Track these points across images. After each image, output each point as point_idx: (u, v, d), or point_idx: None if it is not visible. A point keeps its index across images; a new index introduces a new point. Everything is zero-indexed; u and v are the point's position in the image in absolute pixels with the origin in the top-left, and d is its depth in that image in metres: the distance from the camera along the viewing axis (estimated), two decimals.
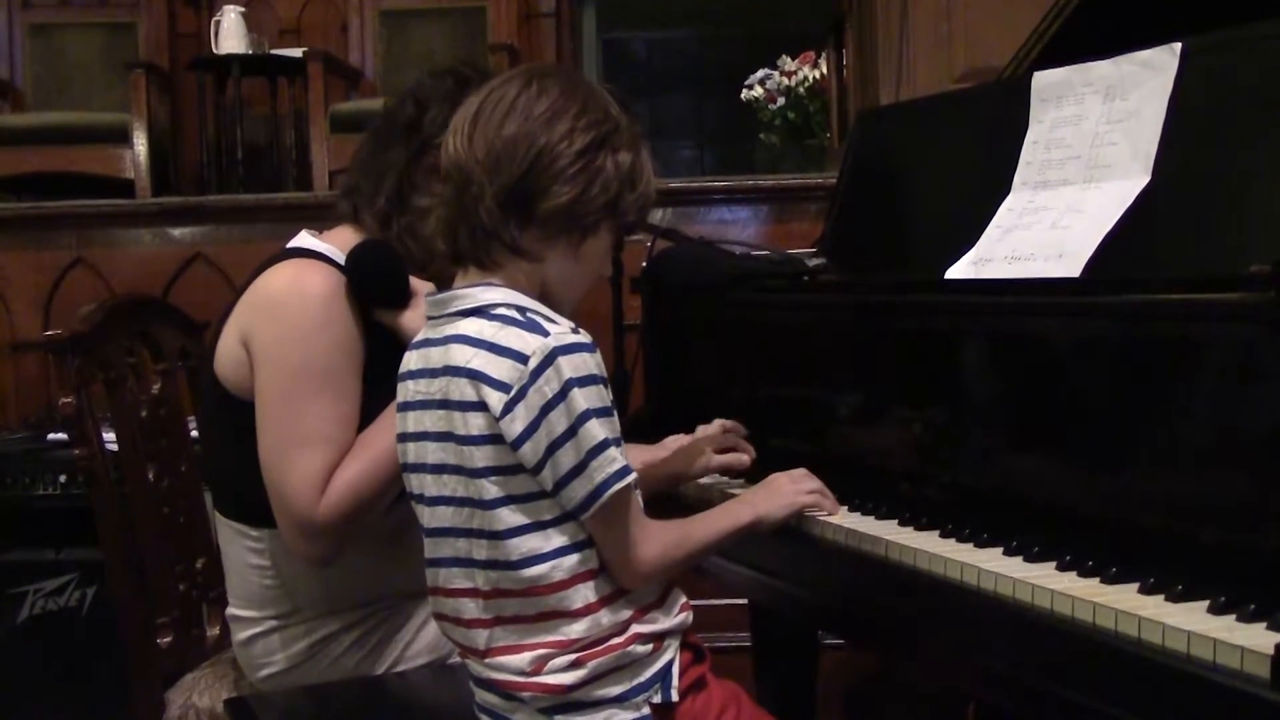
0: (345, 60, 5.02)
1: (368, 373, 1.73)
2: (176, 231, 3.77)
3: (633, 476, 1.38)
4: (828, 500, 1.62)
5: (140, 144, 4.53)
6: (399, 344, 1.78)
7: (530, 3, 5.17)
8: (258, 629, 1.82)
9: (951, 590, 1.38)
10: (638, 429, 2.05)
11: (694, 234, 2.63)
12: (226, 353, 1.76)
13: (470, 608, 1.44)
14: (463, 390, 1.39)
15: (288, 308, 1.71)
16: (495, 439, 1.37)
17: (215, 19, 4.87)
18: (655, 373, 2.32)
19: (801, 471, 1.65)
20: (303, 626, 1.81)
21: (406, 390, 1.48)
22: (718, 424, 1.86)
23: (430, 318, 1.47)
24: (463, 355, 1.39)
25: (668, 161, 8.18)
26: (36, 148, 4.57)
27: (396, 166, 1.76)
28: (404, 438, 1.48)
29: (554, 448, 1.35)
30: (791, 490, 1.61)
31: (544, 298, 1.45)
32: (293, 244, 1.81)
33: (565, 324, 1.40)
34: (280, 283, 1.74)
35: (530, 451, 1.35)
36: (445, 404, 1.41)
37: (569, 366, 1.34)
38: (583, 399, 1.34)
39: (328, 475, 1.67)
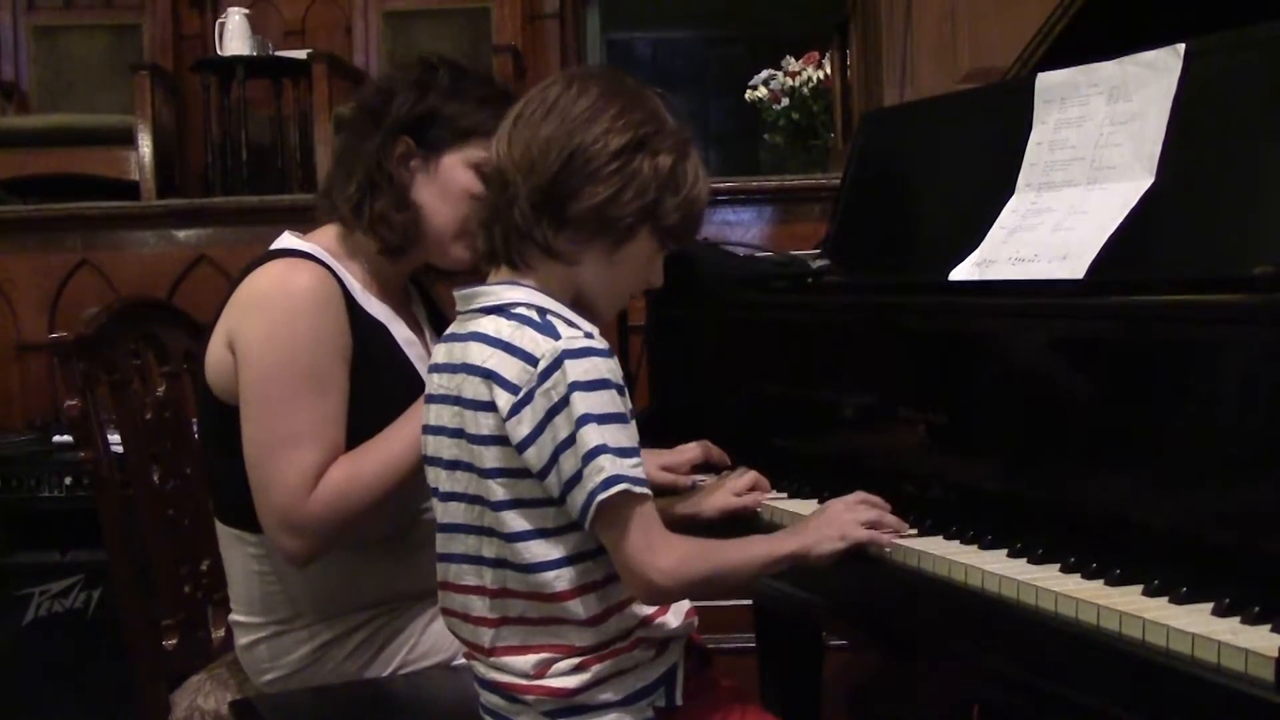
0: (350, 62, 5.02)
1: (356, 369, 1.73)
2: (181, 233, 3.76)
3: (620, 487, 1.32)
4: (885, 534, 1.48)
5: (145, 146, 4.53)
6: (388, 341, 1.79)
7: (534, 4, 5.17)
8: (260, 634, 1.82)
9: (955, 592, 1.38)
10: (640, 431, 2.05)
11: (698, 235, 2.63)
12: (215, 359, 1.75)
13: (477, 605, 1.44)
14: (476, 389, 1.39)
15: (274, 304, 1.70)
16: (503, 440, 1.37)
17: (220, 21, 4.88)
18: (659, 374, 2.32)
19: (858, 497, 1.52)
20: (305, 631, 1.81)
21: (432, 383, 1.48)
22: (749, 476, 1.75)
23: (459, 313, 1.47)
24: (480, 354, 1.39)
25: None
26: (41, 150, 4.58)
27: (367, 155, 1.78)
28: (426, 430, 1.48)
29: (558, 452, 1.33)
30: (846, 521, 1.47)
31: (579, 303, 1.44)
32: (276, 245, 1.80)
33: (584, 328, 1.39)
34: (266, 281, 1.73)
35: (535, 456, 1.34)
36: (459, 401, 1.41)
37: (575, 370, 1.33)
38: (582, 404, 1.32)
39: (319, 472, 1.67)
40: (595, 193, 1.38)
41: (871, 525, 1.48)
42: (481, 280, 1.46)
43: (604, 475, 1.32)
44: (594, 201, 1.38)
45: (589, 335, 1.37)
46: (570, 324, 1.39)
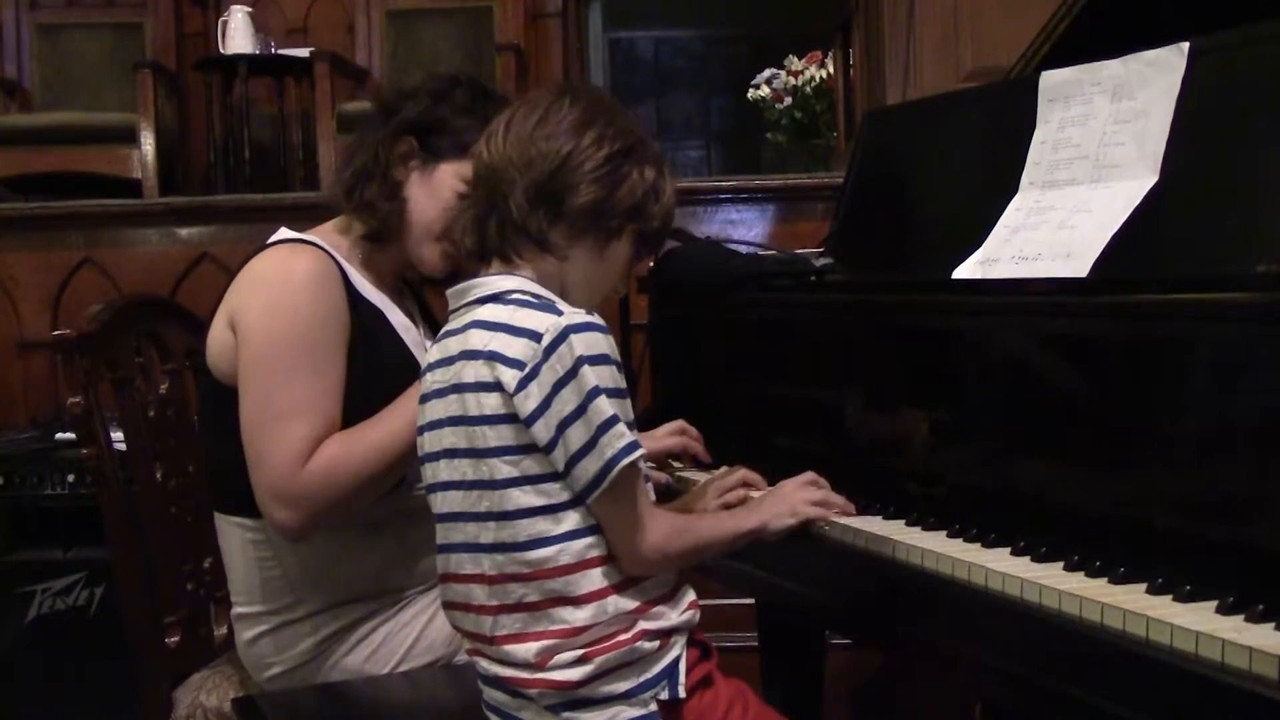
0: (352, 60, 5.03)
1: (353, 350, 1.76)
2: (184, 231, 3.77)
3: (641, 451, 1.39)
4: (832, 511, 1.59)
5: (147, 144, 4.53)
6: (385, 324, 1.83)
7: (536, 2, 5.17)
8: (263, 627, 1.83)
9: (958, 590, 1.38)
10: (643, 428, 2.05)
11: (701, 233, 2.64)
12: (216, 340, 1.78)
13: (478, 594, 1.46)
14: (478, 371, 1.41)
15: (274, 283, 1.75)
16: (509, 418, 1.40)
17: (222, 19, 4.89)
18: (662, 372, 2.32)
19: (807, 477, 1.63)
20: (308, 624, 1.81)
21: (426, 382, 1.51)
22: (739, 474, 1.75)
23: (451, 311, 1.50)
24: (480, 339, 1.42)
25: (674, 161, 8.16)
26: (44, 148, 4.58)
27: (370, 146, 1.84)
28: (423, 429, 1.51)
29: (565, 425, 1.37)
30: (796, 499, 1.59)
31: (562, 298, 1.47)
32: (274, 238, 1.83)
33: (581, 308, 1.44)
34: (268, 263, 1.78)
35: (543, 429, 1.37)
36: (457, 388, 1.44)
37: (581, 344, 1.37)
38: (593, 376, 1.36)
39: (313, 445, 1.69)
40: (590, 190, 1.45)
41: (819, 504, 1.59)
42: (472, 276, 1.50)
43: (626, 440, 1.37)
44: (589, 198, 1.45)
45: (589, 313, 1.42)
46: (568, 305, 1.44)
